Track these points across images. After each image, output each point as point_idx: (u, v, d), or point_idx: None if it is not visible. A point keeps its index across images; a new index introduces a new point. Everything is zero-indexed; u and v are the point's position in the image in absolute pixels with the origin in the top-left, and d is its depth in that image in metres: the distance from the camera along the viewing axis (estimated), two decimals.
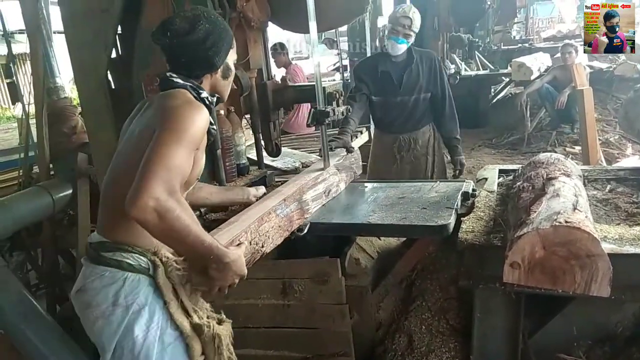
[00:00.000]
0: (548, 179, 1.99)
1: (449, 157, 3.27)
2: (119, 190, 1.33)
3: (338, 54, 7.68)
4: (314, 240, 2.15)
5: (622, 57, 6.89)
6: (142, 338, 1.39)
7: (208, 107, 1.53)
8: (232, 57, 1.64)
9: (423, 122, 3.18)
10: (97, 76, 2.16)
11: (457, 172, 3.08)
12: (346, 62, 7.44)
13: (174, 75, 1.53)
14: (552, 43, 9.60)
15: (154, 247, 1.43)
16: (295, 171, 3.22)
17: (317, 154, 3.72)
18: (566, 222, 1.51)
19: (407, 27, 2.93)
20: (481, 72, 8.03)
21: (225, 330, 1.52)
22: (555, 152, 5.66)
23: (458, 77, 7.14)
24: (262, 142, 2.64)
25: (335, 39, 7.39)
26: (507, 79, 7.73)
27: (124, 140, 1.56)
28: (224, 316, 1.56)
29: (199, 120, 1.41)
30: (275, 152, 2.72)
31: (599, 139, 5.31)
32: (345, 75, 7.17)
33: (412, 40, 2.99)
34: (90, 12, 2.09)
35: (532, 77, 6.54)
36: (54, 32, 3.82)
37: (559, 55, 6.18)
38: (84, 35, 2.14)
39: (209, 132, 1.51)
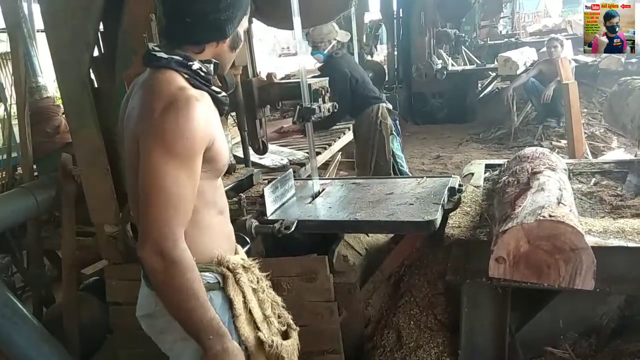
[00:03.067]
0: (533, 174, 2.00)
1: None
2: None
3: None
4: (302, 237, 2.15)
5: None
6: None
7: (203, 80, 1.29)
8: (244, 26, 1.38)
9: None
10: (79, 75, 2.13)
11: None
12: None
13: (157, 48, 1.29)
14: (538, 37, 9.66)
15: (216, 257, 1.32)
16: (282, 169, 3.22)
17: (305, 151, 3.72)
18: (550, 216, 1.52)
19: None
20: (468, 67, 8.08)
21: (290, 347, 1.44)
22: (542, 146, 5.71)
23: (445, 72, 7.17)
24: (249, 140, 2.63)
25: None
26: (494, 74, 7.78)
27: (125, 142, 1.38)
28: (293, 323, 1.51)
29: (191, 126, 1.17)
30: (262, 150, 2.71)
31: (585, 133, 5.36)
32: None
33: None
34: (70, 11, 2.05)
35: (518, 72, 6.58)
36: (37, 31, 3.78)
37: (544, 49, 6.22)
38: (65, 34, 2.10)
39: (219, 104, 1.33)
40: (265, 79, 2.60)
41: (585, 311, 1.97)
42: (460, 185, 2.37)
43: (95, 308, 2.53)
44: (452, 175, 2.48)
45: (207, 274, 1.29)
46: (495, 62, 7.28)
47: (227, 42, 1.34)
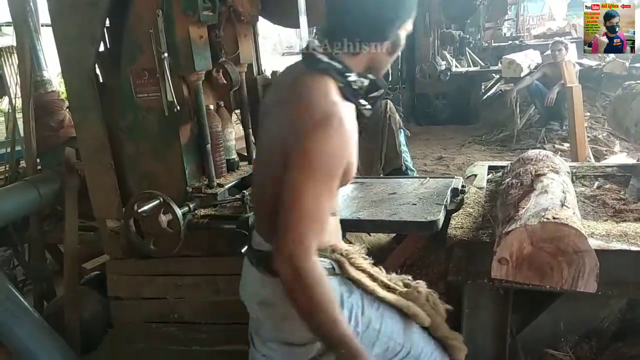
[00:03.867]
0: (536, 176, 2.00)
1: None
2: (269, 200, 1.26)
3: None
4: None
5: (612, 54, 6.96)
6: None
7: (354, 94, 1.25)
8: (407, 29, 1.29)
9: None
10: (85, 70, 2.13)
11: None
12: None
13: (319, 49, 1.23)
14: (543, 40, 9.64)
15: (329, 245, 1.34)
16: None
17: None
18: (554, 218, 1.52)
19: None
20: (472, 68, 8.06)
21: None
22: (545, 148, 5.70)
23: (449, 73, 7.16)
24: (252, 138, 2.63)
25: None
26: (498, 76, 7.77)
27: (262, 135, 1.38)
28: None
29: (340, 147, 1.16)
30: None
31: (588, 136, 5.35)
32: None
33: None
34: (77, 5, 2.06)
35: (522, 74, 6.58)
36: (42, 25, 3.78)
37: (549, 52, 6.22)
38: (71, 29, 2.10)
39: (361, 118, 1.29)
40: (270, 77, 2.60)
41: (586, 314, 1.97)
42: (463, 186, 2.37)
43: (96, 302, 2.54)
44: (455, 177, 2.48)
45: (323, 260, 1.29)
46: (499, 65, 7.27)
47: (385, 45, 1.26)
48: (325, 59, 1.21)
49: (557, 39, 6.40)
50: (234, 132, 2.46)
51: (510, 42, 9.78)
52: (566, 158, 5.28)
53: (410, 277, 1.50)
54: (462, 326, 1.98)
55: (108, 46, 2.23)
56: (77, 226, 2.59)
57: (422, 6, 7.06)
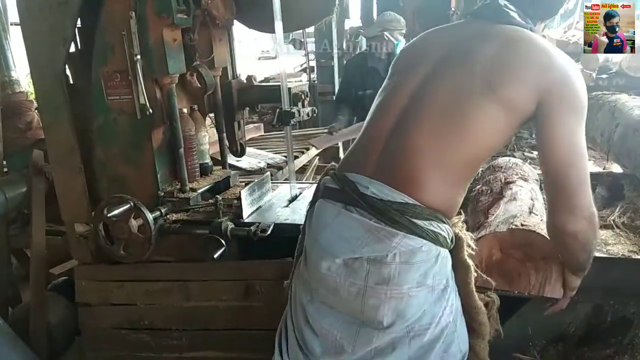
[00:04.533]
0: (506, 183, 2.04)
1: None
2: (444, 147, 1.19)
3: (305, 55, 7.69)
4: (279, 241, 2.14)
5: (579, 65, 7.13)
6: (438, 320, 1.23)
7: None
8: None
9: None
10: (55, 70, 2.09)
11: None
12: (313, 63, 7.44)
13: (511, 6, 1.29)
14: None
15: (457, 219, 1.31)
16: (260, 172, 3.21)
17: (282, 154, 3.71)
18: (522, 225, 1.55)
19: (403, 27, 3.81)
20: None
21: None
22: (515, 156, 5.81)
23: None
24: (226, 142, 2.61)
25: (302, 40, 7.39)
26: None
27: (448, 69, 1.26)
28: None
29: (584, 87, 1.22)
30: (239, 152, 2.70)
31: None
32: (312, 76, 7.18)
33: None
34: (48, 4, 2.01)
35: None
36: (10, 24, 3.69)
37: None
38: (41, 28, 2.06)
39: None
40: (245, 81, 2.59)
41: (553, 319, 2.01)
42: None
43: (64, 309, 2.47)
44: None
45: (451, 230, 1.26)
46: None
47: (544, 24, 1.41)
48: (517, 17, 1.29)
49: None
50: (207, 136, 2.44)
51: None
52: (535, 166, 5.41)
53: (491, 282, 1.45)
54: None
55: (79, 47, 2.19)
56: (44, 230, 2.53)
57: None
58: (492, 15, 1.28)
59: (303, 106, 2.38)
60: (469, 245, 1.32)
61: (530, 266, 1.52)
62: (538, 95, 1.16)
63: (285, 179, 2.91)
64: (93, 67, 2.09)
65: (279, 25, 2.18)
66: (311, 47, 7.39)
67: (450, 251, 1.27)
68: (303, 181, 3.65)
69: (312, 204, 1.43)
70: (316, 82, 6.85)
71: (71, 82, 2.21)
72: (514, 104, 1.17)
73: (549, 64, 1.18)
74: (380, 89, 1.42)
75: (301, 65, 9.54)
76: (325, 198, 1.33)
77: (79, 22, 2.09)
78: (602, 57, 6.61)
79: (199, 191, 2.24)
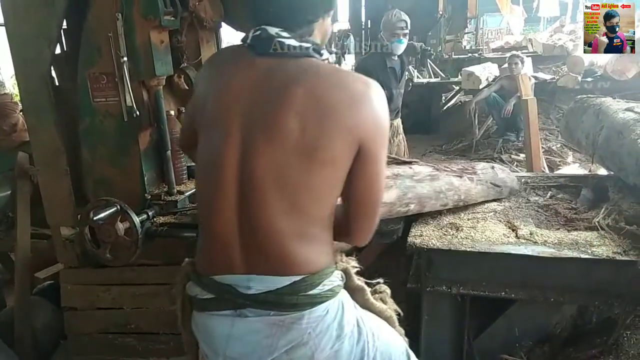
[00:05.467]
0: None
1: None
2: (296, 218, 1.11)
3: None
4: None
5: (565, 69, 7.23)
6: (368, 353, 1.22)
7: None
8: None
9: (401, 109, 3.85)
10: (40, 72, 2.06)
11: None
12: None
13: (284, 34, 1.12)
14: (500, 54, 9.92)
15: (336, 257, 1.27)
16: None
17: None
18: None
19: (404, 28, 3.52)
20: (433, 79, 8.21)
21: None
22: (502, 159, 5.88)
23: (411, 84, 7.28)
24: None
25: None
26: (457, 87, 7.96)
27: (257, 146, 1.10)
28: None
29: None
30: None
31: (542, 147, 5.54)
32: None
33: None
34: (33, 5, 1.99)
35: (481, 86, 6.76)
36: None
37: (506, 65, 6.41)
38: (26, 29, 2.04)
39: None
40: None
41: (540, 320, 2.04)
42: None
43: (49, 313, 2.45)
44: None
45: (338, 272, 1.22)
46: (459, 76, 7.44)
47: (331, 13, 1.21)
48: (294, 43, 1.13)
49: (513, 52, 6.58)
50: None
51: (469, 54, 10.01)
52: (522, 168, 5.47)
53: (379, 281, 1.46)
54: (421, 332, 2.01)
55: (65, 48, 2.17)
56: (29, 234, 2.50)
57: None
58: (265, 49, 1.13)
59: None
60: (354, 267, 1.33)
61: None
62: (357, 143, 1.10)
63: None
64: (79, 69, 2.07)
65: None
66: None
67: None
68: None
69: (182, 310, 1.32)
70: None
71: (57, 84, 2.19)
72: (336, 159, 1.10)
73: (356, 107, 1.09)
74: (201, 143, 1.22)
75: None
76: (205, 311, 1.20)
77: (64, 23, 2.07)
78: (587, 60, 6.75)
79: (187, 194, 2.23)
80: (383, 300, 1.40)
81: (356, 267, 1.33)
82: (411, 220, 2.16)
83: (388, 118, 1.15)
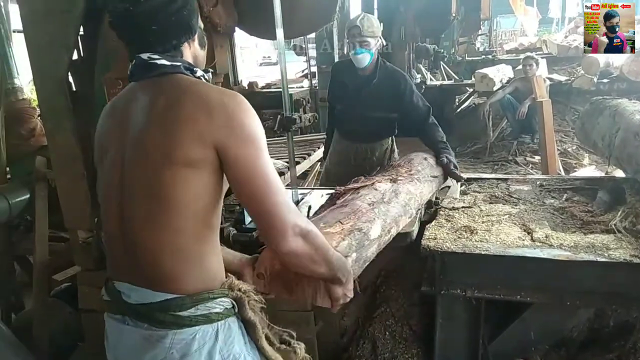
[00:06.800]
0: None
1: None
2: (175, 235, 1.15)
3: (306, 60, 7.71)
4: None
5: (580, 70, 7.16)
6: None
7: None
8: (200, 23, 1.36)
9: (384, 135, 3.08)
10: (57, 78, 2.09)
11: (451, 170, 2.57)
12: (314, 68, 7.46)
13: (155, 56, 1.22)
14: (514, 55, 9.87)
15: (226, 282, 1.25)
16: None
17: (284, 160, 3.72)
18: None
19: (357, 35, 2.61)
20: (446, 82, 8.20)
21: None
22: (516, 161, 5.84)
23: (424, 86, 7.27)
24: None
25: (304, 46, 7.42)
26: (471, 90, 7.91)
27: (132, 170, 1.20)
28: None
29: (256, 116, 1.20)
30: None
31: (558, 149, 5.49)
32: (313, 82, 7.20)
33: (374, 46, 2.67)
34: (51, 12, 2.03)
35: (495, 88, 6.71)
36: (13, 31, 3.71)
37: (520, 67, 6.37)
38: (44, 36, 2.07)
39: None
40: (247, 88, 2.61)
41: (555, 323, 2.02)
42: (436, 198, 2.40)
43: (66, 315, 2.48)
44: None
45: (224, 299, 1.22)
46: (473, 78, 7.41)
47: (196, 39, 1.32)
48: (167, 62, 1.22)
49: (528, 54, 6.55)
50: None
51: (483, 56, 9.98)
52: (537, 170, 5.43)
53: (293, 333, 1.42)
54: (436, 337, 2.00)
55: (81, 54, 2.20)
56: (47, 237, 2.54)
57: (397, 20, 7.18)
58: (144, 74, 1.24)
59: (304, 112, 2.39)
60: (254, 300, 1.28)
61: (303, 277, 1.42)
62: (212, 147, 1.14)
63: (287, 185, 2.91)
64: (96, 75, 2.10)
65: (280, 32, 2.19)
66: (312, 52, 7.41)
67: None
68: (305, 187, 3.65)
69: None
70: (317, 87, 6.86)
71: (74, 89, 2.22)
72: (193, 162, 1.15)
73: (212, 114, 1.15)
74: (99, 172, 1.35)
75: (302, 71, 9.57)
76: (108, 313, 1.31)
77: (81, 29, 2.11)
78: (603, 61, 6.68)
79: None
80: (287, 353, 1.35)
81: (256, 300, 1.28)
82: (425, 223, 2.16)
83: (252, 125, 1.17)
